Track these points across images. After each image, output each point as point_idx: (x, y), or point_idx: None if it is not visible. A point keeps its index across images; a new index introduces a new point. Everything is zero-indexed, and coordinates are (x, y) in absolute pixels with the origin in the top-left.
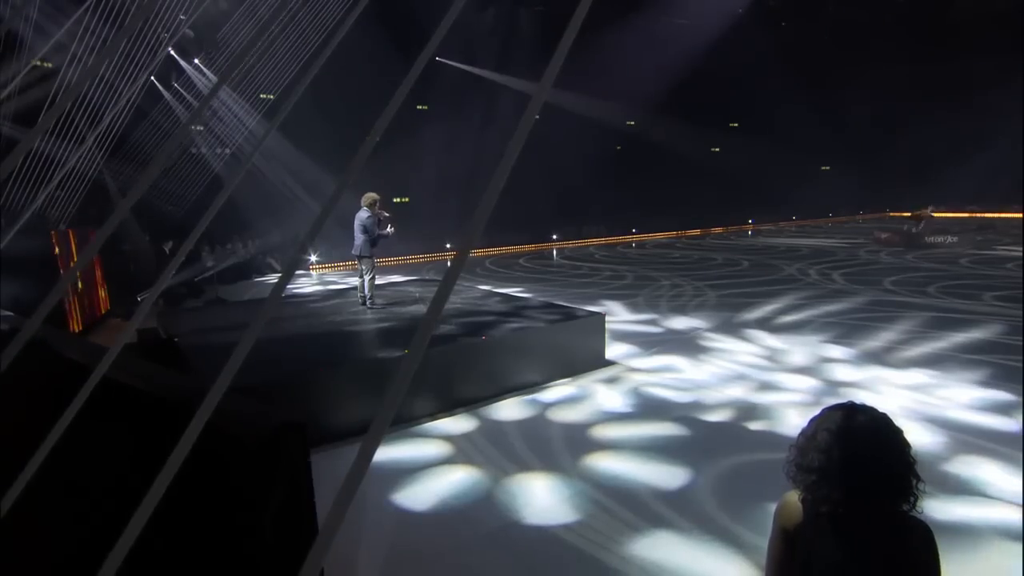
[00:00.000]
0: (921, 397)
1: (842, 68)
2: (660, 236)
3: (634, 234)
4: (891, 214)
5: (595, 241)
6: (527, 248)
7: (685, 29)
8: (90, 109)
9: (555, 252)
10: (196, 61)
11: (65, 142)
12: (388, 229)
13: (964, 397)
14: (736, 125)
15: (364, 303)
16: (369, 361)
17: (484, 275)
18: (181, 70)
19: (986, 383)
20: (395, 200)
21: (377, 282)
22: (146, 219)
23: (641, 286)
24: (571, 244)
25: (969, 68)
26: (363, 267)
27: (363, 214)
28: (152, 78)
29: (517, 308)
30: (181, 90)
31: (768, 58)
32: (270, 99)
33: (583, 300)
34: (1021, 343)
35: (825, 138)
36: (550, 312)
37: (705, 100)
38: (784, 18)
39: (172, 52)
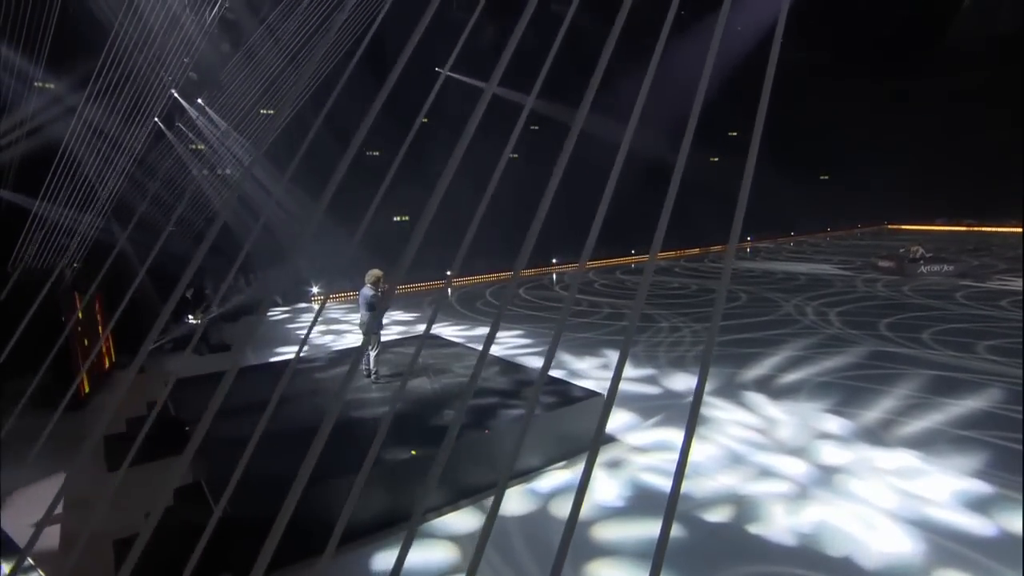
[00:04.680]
0: (906, 487)
1: (840, 77)
2: (659, 257)
3: (633, 255)
4: (889, 226)
5: (595, 264)
6: (527, 273)
7: (693, 44)
8: (99, 164)
9: (555, 277)
10: (199, 101)
11: (77, 205)
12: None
13: (949, 490)
14: (735, 134)
15: (369, 375)
16: (378, 464)
17: (484, 311)
18: (183, 110)
19: (973, 472)
20: (395, 219)
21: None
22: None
23: (640, 329)
24: (570, 268)
25: (967, 82)
26: (369, 341)
27: (367, 291)
28: (156, 118)
29: (517, 384)
30: (185, 129)
31: (765, 66)
32: (270, 113)
33: (583, 349)
34: (1019, 411)
35: (825, 146)
36: (550, 390)
37: (702, 107)
38: (782, 32)
39: (175, 94)
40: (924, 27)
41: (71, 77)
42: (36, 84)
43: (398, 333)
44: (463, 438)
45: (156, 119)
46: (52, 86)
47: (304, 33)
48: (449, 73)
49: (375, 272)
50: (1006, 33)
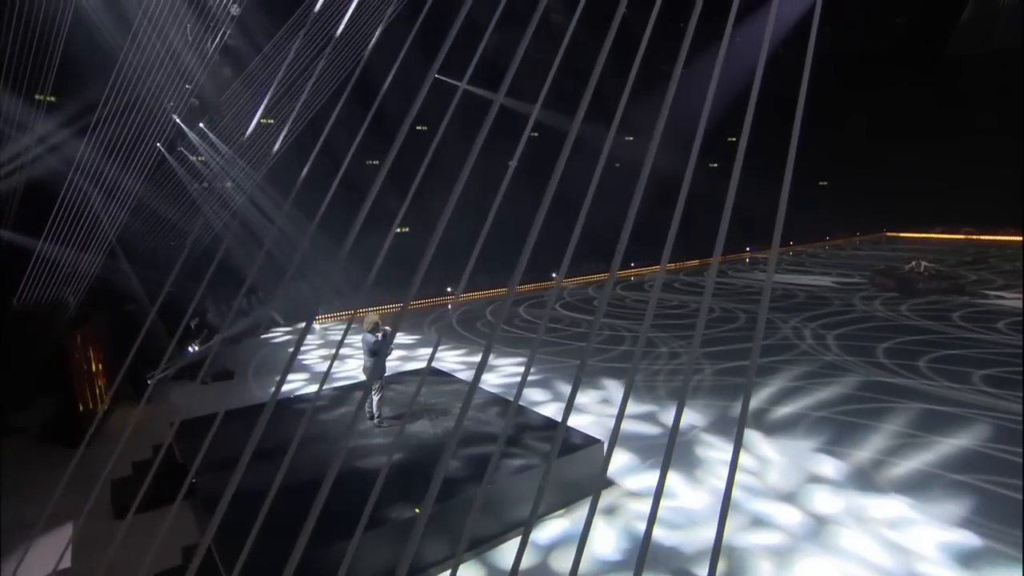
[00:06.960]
0: (899, 539)
1: (840, 85)
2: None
3: (632, 268)
4: (888, 234)
5: (594, 278)
6: (528, 289)
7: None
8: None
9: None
10: (200, 125)
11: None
12: (390, 346)
13: (943, 544)
14: (734, 139)
15: (372, 418)
16: (383, 523)
17: (485, 333)
18: (184, 134)
19: (967, 523)
20: (396, 230)
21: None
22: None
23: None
24: (570, 282)
25: (965, 90)
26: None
27: (369, 338)
28: (158, 143)
29: (518, 430)
30: (186, 152)
31: (764, 71)
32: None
33: (583, 378)
34: (1014, 452)
35: (824, 153)
36: (549, 436)
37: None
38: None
39: (176, 119)
40: (923, 35)
41: (73, 107)
42: (40, 97)
43: (398, 359)
44: (467, 494)
45: (158, 144)
46: (56, 112)
47: (305, 57)
48: (440, 76)
49: (372, 318)
50: (1004, 48)
